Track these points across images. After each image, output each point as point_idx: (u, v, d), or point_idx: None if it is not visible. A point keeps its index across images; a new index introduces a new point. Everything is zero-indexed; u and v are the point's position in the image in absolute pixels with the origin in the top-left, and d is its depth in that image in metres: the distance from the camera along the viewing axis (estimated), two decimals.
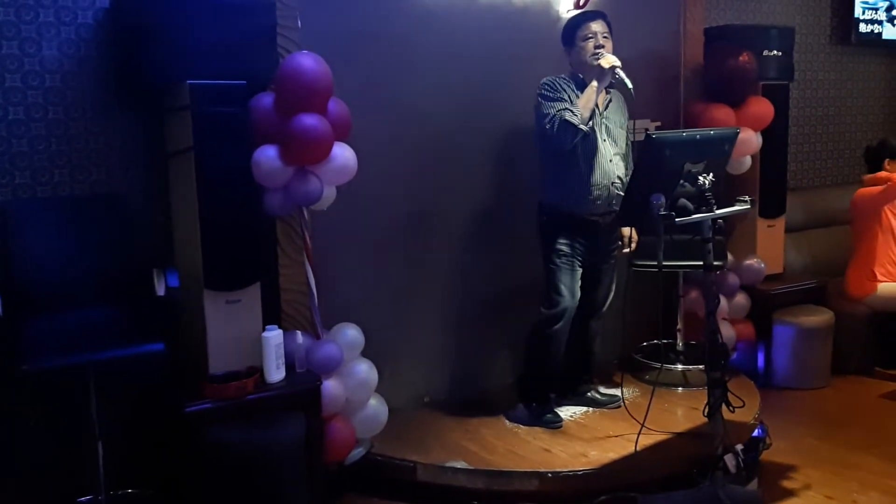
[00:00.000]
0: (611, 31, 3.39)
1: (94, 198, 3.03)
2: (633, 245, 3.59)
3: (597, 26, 3.35)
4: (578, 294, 3.40)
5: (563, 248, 3.37)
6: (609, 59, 3.24)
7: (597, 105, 3.32)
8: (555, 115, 3.22)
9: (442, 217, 3.69)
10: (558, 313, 3.35)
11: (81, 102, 3.01)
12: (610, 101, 3.45)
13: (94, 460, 2.72)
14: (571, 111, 3.22)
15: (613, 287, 3.57)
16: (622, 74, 3.20)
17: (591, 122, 3.26)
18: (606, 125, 3.41)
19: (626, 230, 3.57)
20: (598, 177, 3.33)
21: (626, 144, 3.51)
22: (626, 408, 3.42)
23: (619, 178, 3.38)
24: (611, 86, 3.37)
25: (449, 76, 3.61)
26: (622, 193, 3.35)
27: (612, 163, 3.37)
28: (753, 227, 4.42)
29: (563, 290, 3.35)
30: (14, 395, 2.81)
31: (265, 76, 2.91)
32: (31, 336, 2.60)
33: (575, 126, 3.20)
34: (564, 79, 3.37)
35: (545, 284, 3.43)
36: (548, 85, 3.32)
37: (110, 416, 2.77)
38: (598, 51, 3.31)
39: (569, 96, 3.30)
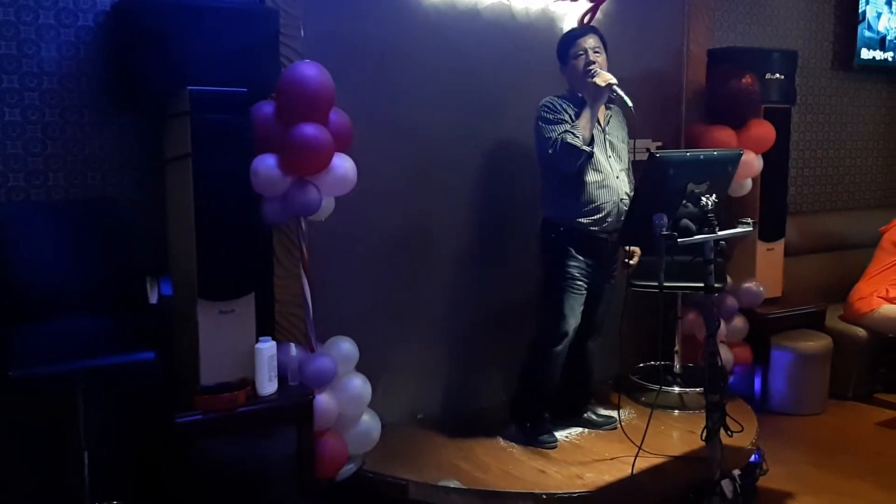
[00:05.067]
0: (605, 46, 3.33)
1: (89, 202, 2.98)
2: (636, 258, 3.51)
3: (587, 42, 3.28)
4: (580, 317, 3.36)
5: (573, 270, 3.31)
6: (604, 77, 3.17)
7: (598, 121, 3.30)
8: (556, 138, 3.16)
9: (440, 233, 3.65)
10: (561, 335, 3.32)
11: (79, 105, 2.97)
12: (611, 116, 3.42)
13: (79, 471, 2.67)
14: (573, 133, 3.15)
15: (610, 306, 3.51)
16: (620, 92, 3.14)
17: (593, 141, 3.23)
18: (610, 141, 3.37)
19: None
20: (606, 193, 3.28)
21: (628, 160, 3.46)
22: (622, 430, 3.37)
23: (627, 193, 3.33)
24: (610, 101, 3.33)
25: (451, 90, 3.58)
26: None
27: (618, 179, 3.33)
28: (753, 250, 4.39)
29: (568, 313, 3.31)
30: (0, 402, 2.76)
31: (267, 84, 2.88)
32: (20, 342, 2.55)
33: (578, 148, 3.15)
34: (563, 98, 3.31)
35: (547, 304, 3.37)
36: (546, 107, 3.26)
37: (97, 425, 2.72)
38: (590, 68, 3.23)
39: (569, 116, 3.23)
